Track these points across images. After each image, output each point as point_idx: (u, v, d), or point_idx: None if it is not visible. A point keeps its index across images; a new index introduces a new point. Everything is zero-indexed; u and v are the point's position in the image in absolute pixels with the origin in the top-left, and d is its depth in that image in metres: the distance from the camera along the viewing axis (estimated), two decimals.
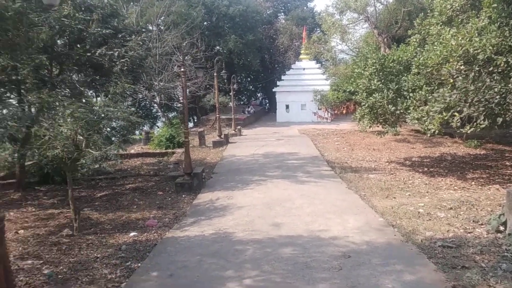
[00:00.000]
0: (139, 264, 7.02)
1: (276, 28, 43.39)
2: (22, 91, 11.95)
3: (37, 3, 10.76)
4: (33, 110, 11.44)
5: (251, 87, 50.29)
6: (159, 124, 32.94)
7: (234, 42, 35.24)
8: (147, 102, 32.00)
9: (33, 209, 11.11)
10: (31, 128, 11.24)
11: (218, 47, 35.72)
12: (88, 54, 11.82)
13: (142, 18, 24.44)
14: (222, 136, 23.28)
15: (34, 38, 10.51)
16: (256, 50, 39.04)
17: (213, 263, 6.87)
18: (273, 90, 36.93)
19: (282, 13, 48.44)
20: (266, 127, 31.73)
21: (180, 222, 9.52)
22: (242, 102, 47.32)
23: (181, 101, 32.46)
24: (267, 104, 49.19)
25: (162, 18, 27.44)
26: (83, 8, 12.00)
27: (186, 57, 16.38)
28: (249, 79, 48.81)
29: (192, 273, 6.53)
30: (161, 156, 19.61)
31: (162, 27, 27.29)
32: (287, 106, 35.58)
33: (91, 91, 14.22)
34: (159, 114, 32.76)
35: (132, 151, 20.64)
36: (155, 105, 32.10)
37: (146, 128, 27.59)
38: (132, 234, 8.75)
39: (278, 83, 36.46)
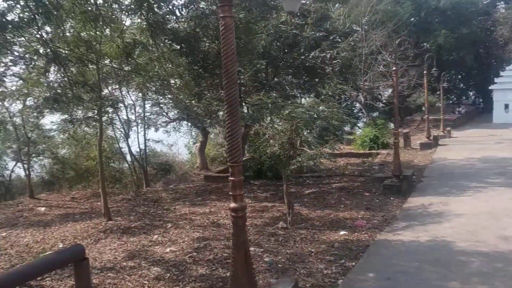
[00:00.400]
0: (353, 263, 7.00)
1: (494, 19, 38.73)
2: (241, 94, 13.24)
3: (257, 12, 11.79)
4: (250, 111, 12.57)
5: (461, 85, 46.11)
6: (360, 124, 32.75)
7: (445, 37, 32.73)
8: (349, 103, 32.12)
9: (250, 201, 12.13)
10: (251, 127, 12.41)
11: (425, 43, 33.73)
12: (302, 57, 12.42)
13: (347, 18, 24.59)
14: (431, 137, 21.86)
15: (256, 45, 11.55)
16: (470, 45, 35.52)
17: (434, 271, 6.42)
18: (489, 87, 33.20)
19: (502, 2, 43.00)
20: (480, 129, 28.66)
21: (391, 225, 9.21)
22: (451, 102, 43.64)
23: (384, 101, 31.84)
24: (481, 104, 44.47)
25: (367, 18, 27.17)
26: (298, 14, 12.62)
27: (394, 56, 15.86)
28: (459, 76, 44.81)
29: (412, 279, 6.21)
30: (365, 156, 19.44)
31: (366, 27, 27.02)
32: (506, 106, 31.64)
33: (298, 92, 14.91)
34: (360, 114, 32.56)
35: (336, 151, 20.91)
36: (356, 105, 32.03)
37: (347, 128, 27.72)
38: (342, 232, 8.80)
39: (495, 80, 32.69)
